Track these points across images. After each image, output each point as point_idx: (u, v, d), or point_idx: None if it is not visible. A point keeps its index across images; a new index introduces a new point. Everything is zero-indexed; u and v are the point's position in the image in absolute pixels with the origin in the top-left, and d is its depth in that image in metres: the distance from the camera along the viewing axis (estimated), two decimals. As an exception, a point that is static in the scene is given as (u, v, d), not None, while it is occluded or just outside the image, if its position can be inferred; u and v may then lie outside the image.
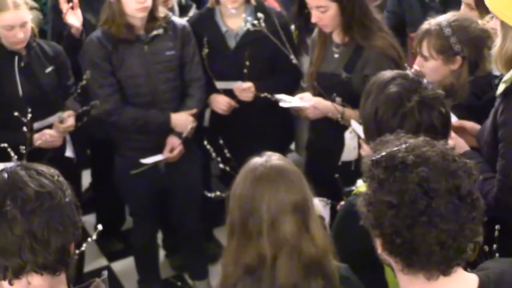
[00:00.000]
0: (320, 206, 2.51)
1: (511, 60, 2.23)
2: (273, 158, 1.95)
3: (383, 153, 1.49)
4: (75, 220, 1.59)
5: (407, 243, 1.44)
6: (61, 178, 1.62)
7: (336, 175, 2.53)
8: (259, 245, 1.86)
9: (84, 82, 3.25)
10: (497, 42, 2.26)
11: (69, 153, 3.38)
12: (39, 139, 3.17)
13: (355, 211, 1.58)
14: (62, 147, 3.34)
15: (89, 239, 2.50)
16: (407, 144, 1.49)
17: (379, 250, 1.54)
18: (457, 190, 1.43)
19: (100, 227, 2.59)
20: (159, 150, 3.45)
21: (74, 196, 1.62)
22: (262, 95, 3.29)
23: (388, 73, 2.18)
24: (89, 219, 4.16)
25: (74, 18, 3.45)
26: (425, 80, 2.17)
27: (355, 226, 1.62)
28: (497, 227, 2.10)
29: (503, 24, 2.23)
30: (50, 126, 3.29)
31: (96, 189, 4.24)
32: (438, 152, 1.47)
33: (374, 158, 1.50)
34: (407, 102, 2.05)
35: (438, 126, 2.06)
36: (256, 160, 1.95)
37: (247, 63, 3.34)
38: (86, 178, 4.25)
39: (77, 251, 1.83)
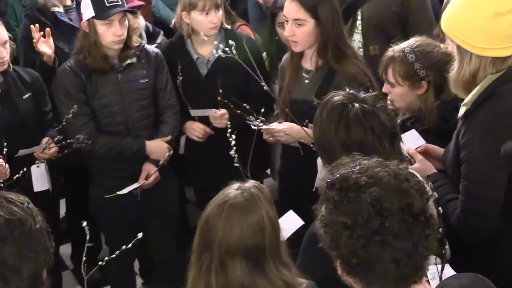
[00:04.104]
0: (293, 220, 2.51)
1: (469, 83, 2.27)
2: (244, 194, 1.92)
3: (337, 175, 1.52)
4: (46, 246, 1.61)
5: (363, 262, 1.47)
6: (31, 205, 1.64)
7: None
8: (208, 282, 1.86)
9: (71, 115, 3.24)
10: (455, 66, 2.31)
11: (43, 186, 3.37)
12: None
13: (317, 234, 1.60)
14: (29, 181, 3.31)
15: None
16: (360, 166, 1.52)
17: (339, 271, 1.57)
18: (409, 209, 1.46)
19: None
20: (135, 179, 3.46)
21: (45, 223, 1.64)
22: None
23: (326, 96, 2.24)
24: (65, 249, 4.15)
25: (45, 46, 3.49)
26: (362, 93, 2.21)
27: (319, 249, 1.63)
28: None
29: (459, 48, 2.28)
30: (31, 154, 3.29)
31: (71, 218, 4.23)
32: (390, 172, 1.50)
33: (329, 180, 1.53)
34: (350, 108, 2.10)
35: (388, 125, 2.10)
36: (230, 190, 1.94)
37: (220, 90, 3.37)
38: (62, 207, 4.24)
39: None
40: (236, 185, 1.98)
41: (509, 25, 2.22)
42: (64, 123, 3.25)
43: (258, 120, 3.13)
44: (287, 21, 3.09)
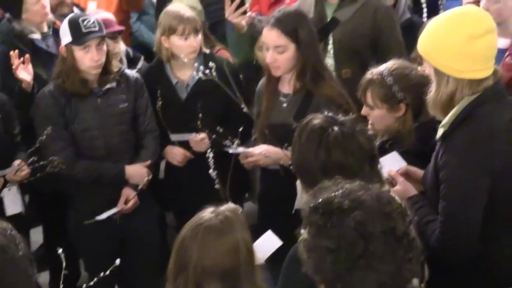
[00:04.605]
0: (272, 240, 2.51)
1: (447, 105, 2.30)
2: (219, 216, 1.95)
3: (320, 199, 1.52)
4: (28, 274, 1.59)
5: (347, 287, 1.46)
6: (14, 232, 1.63)
7: None
8: None
9: (44, 137, 3.21)
10: (432, 88, 2.34)
11: (15, 209, 3.33)
12: None
13: (299, 258, 1.60)
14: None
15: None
16: (343, 189, 1.52)
17: None
18: (392, 232, 1.46)
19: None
20: (114, 203, 3.44)
21: (28, 250, 1.62)
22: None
23: (304, 119, 2.25)
24: (43, 276, 4.08)
25: (25, 73, 3.47)
26: (340, 116, 2.23)
27: (300, 274, 1.62)
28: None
29: (436, 70, 2.31)
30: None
31: (48, 245, 4.18)
32: (373, 195, 1.50)
33: (312, 204, 1.53)
34: (330, 132, 2.11)
35: (368, 148, 2.11)
36: (205, 213, 1.97)
37: (200, 114, 3.37)
38: (39, 234, 4.19)
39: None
40: (211, 208, 2.01)
41: (484, 47, 2.27)
42: (37, 145, 3.22)
43: (235, 144, 3.13)
44: (267, 49, 3.10)
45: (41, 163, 3.23)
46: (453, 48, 2.26)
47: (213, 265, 1.88)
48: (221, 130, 3.17)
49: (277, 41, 3.04)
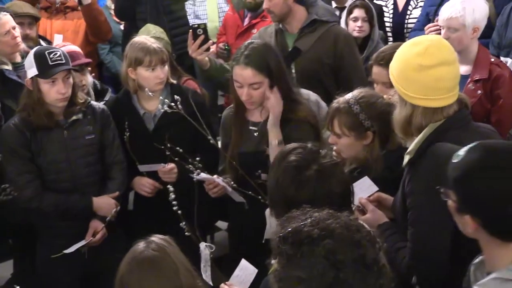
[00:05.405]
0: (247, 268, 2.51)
1: (406, 127, 2.36)
2: (151, 245, 1.99)
3: (289, 229, 1.53)
4: None
5: None
6: None
7: None
8: None
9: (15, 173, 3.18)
10: (396, 109, 2.40)
11: None
12: None
13: None
14: None
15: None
16: (312, 218, 1.53)
17: None
18: (362, 259, 1.47)
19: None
20: (82, 236, 3.40)
21: None
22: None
23: (289, 146, 2.25)
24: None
25: None
26: (324, 150, 2.23)
27: None
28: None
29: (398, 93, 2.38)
30: None
31: (19, 279, 4.10)
32: (342, 223, 1.51)
33: (281, 234, 1.53)
34: (305, 171, 2.10)
35: (339, 192, 2.11)
36: (137, 247, 2.01)
37: (168, 145, 3.36)
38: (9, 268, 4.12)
39: None
40: (142, 241, 2.05)
41: (435, 78, 2.30)
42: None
43: (197, 170, 3.12)
44: (240, 86, 3.11)
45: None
46: (405, 74, 2.33)
47: None
48: (185, 155, 3.16)
49: (252, 79, 3.07)
